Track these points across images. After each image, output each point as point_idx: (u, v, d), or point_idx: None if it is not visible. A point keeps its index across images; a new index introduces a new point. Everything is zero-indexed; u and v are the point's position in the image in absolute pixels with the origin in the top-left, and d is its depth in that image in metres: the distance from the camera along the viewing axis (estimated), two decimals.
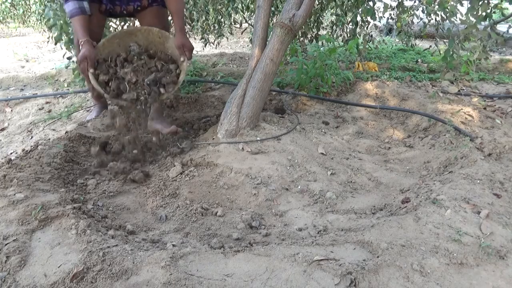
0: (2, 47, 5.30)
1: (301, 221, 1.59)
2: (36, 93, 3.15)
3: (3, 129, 2.56)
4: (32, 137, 2.33)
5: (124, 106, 1.99)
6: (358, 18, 3.59)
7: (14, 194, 1.52)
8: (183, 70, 2.07)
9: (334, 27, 4.24)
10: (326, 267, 1.15)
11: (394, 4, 3.59)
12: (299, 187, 1.78)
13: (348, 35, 4.06)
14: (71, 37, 2.98)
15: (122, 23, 3.47)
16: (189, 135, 2.31)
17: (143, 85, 1.97)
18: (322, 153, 2.07)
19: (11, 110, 2.84)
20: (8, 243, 1.26)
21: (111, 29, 3.36)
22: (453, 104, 2.52)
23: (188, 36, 4.45)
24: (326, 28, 4.99)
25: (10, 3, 5.29)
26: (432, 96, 2.49)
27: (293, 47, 3.46)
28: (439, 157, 2.06)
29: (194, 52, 2.08)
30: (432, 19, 3.79)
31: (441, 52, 4.24)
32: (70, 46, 2.99)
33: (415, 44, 5.01)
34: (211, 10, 4.06)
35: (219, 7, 4.06)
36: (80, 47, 1.96)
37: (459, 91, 3.15)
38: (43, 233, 1.32)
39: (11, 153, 2.13)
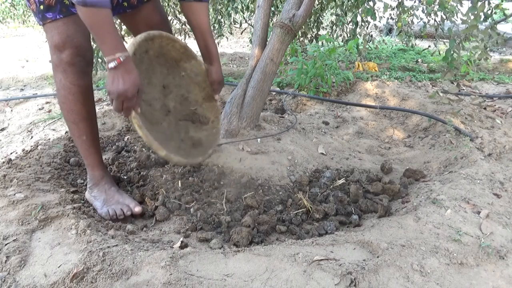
0: (2, 47, 5.30)
1: None
2: (36, 93, 3.15)
3: (3, 129, 2.56)
4: (32, 137, 2.33)
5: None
6: (358, 18, 3.59)
7: (14, 194, 1.52)
8: (219, 114, 1.72)
9: (334, 27, 4.24)
10: (326, 267, 1.15)
11: (394, 4, 3.59)
12: None
13: (348, 35, 4.06)
14: None
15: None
16: None
17: None
18: (322, 153, 2.07)
19: (11, 110, 2.84)
20: (8, 243, 1.26)
21: None
22: (453, 104, 2.52)
23: (187, 36, 4.44)
24: (326, 28, 4.99)
25: (10, 3, 5.29)
26: (432, 96, 2.50)
27: (293, 47, 3.46)
28: (439, 157, 2.06)
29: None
30: (432, 19, 3.80)
31: (441, 52, 4.25)
32: None
33: (415, 44, 5.01)
34: (211, 10, 4.06)
35: (219, 7, 4.06)
36: (115, 64, 1.25)
37: (459, 91, 3.15)
38: (43, 233, 1.32)
39: (11, 153, 2.13)
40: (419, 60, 4.34)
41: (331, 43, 3.32)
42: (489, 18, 1.88)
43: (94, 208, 1.57)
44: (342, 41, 4.16)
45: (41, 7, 1.36)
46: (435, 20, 3.79)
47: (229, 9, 3.98)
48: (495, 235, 1.32)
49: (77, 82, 1.44)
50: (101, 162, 1.63)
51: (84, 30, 1.39)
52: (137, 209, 1.54)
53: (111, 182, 1.63)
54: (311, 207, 1.57)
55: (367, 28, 3.72)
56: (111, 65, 1.26)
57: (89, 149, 1.57)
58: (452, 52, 2.08)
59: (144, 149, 2.13)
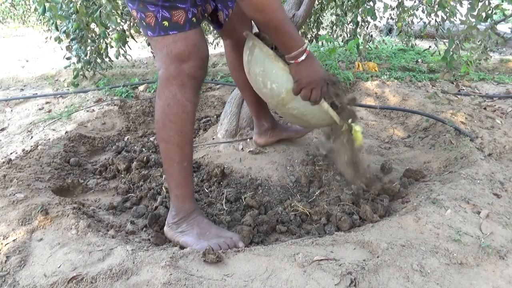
0: (2, 47, 5.30)
1: None
2: (36, 93, 3.15)
3: (3, 129, 2.56)
4: (32, 137, 2.33)
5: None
6: (358, 18, 3.59)
7: (14, 194, 1.52)
8: None
9: (334, 27, 4.24)
10: (326, 267, 1.15)
11: (394, 4, 3.59)
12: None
13: (348, 35, 4.06)
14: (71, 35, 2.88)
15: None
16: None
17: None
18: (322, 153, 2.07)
19: (11, 110, 2.84)
20: (8, 243, 1.26)
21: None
22: (453, 104, 2.52)
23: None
24: (326, 28, 4.98)
25: (10, 3, 5.29)
26: (432, 96, 2.50)
27: None
28: (439, 157, 2.06)
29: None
30: (432, 19, 3.79)
31: (441, 52, 4.25)
32: (71, 46, 2.98)
33: (415, 44, 5.01)
34: None
35: None
36: (306, 55, 1.24)
37: (459, 91, 3.15)
38: (43, 233, 1.32)
39: (11, 153, 2.13)
40: (419, 60, 4.34)
41: (331, 43, 3.32)
42: (489, 19, 1.87)
43: (182, 245, 1.35)
44: (342, 41, 4.16)
45: (165, 23, 1.20)
46: (435, 21, 3.79)
47: None
48: (495, 235, 1.32)
49: (193, 99, 1.30)
50: (193, 193, 1.45)
51: (206, 42, 1.32)
52: (241, 244, 1.33)
53: (202, 214, 1.45)
54: (309, 211, 1.57)
55: (367, 28, 3.72)
56: (303, 57, 1.23)
57: (186, 178, 1.37)
58: (451, 52, 2.07)
59: (144, 149, 2.13)
